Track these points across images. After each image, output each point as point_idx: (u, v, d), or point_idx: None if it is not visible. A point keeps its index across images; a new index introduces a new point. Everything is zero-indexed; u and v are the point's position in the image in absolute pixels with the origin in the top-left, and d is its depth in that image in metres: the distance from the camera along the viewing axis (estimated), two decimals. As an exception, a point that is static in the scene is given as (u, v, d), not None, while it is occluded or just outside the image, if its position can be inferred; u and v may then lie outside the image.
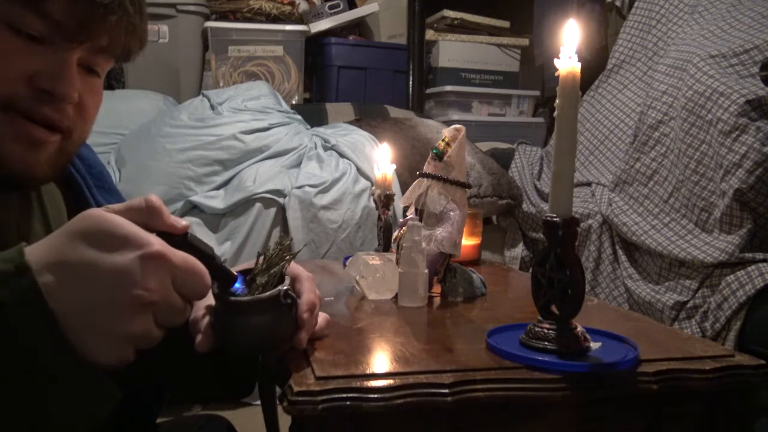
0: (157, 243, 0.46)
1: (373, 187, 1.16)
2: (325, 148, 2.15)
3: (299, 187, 1.95)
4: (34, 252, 0.44)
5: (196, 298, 0.50)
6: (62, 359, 0.43)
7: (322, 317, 0.68)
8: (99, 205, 0.67)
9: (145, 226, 0.48)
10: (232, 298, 0.59)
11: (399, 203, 1.08)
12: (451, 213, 0.91)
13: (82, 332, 0.44)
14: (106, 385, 0.47)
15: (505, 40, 3.10)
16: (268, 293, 0.59)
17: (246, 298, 0.59)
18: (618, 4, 2.82)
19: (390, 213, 1.15)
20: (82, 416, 0.46)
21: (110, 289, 0.44)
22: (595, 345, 0.66)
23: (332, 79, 2.82)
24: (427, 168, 0.92)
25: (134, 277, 0.44)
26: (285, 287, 0.60)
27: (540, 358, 0.62)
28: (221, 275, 0.57)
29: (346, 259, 1.07)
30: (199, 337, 0.60)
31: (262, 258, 0.62)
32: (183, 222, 0.52)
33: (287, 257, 0.63)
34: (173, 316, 0.48)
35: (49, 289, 0.43)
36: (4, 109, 0.55)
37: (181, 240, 0.52)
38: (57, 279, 0.43)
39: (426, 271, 0.87)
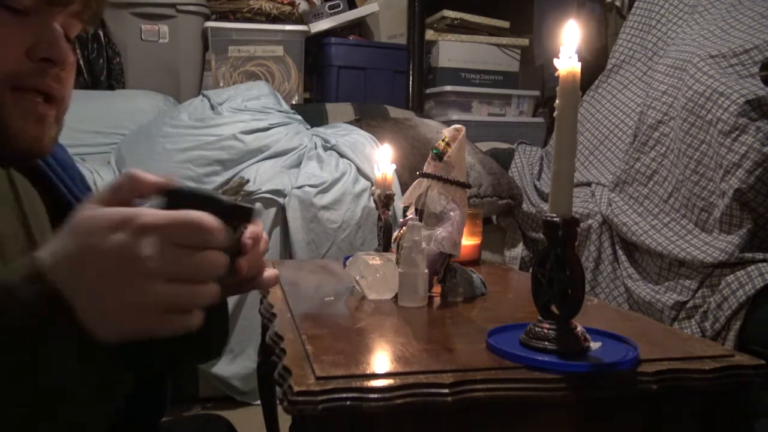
0: (140, 215, 0.46)
1: (373, 187, 1.16)
2: (325, 148, 2.15)
3: (299, 187, 1.95)
4: (43, 257, 0.46)
5: (206, 246, 0.48)
6: (71, 345, 0.46)
7: (272, 272, 0.68)
8: (74, 195, 0.72)
9: (135, 198, 0.52)
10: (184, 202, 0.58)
11: (399, 203, 1.08)
12: (451, 213, 0.91)
13: (102, 318, 0.46)
14: (123, 374, 0.49)
15: (505, 40, 3.10)
16: (216, 208, 0.57)
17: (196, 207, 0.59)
18: (618, 4, 2.82)
19: (390, 213, 1.15)
20: (99, 409, 0.48)
21: (113, 272, 0.46)
22: (595, 345, 0.66)
23: (332, 79, 2.82)
24: (427, 168, 0.92)
25: (129, 254, 0.46)
26: (256, 206, 0.62)
27: (540, 358, 0.62)
28: (232, 212, 0.55)
29: (346, 259, 1.07)
30: None
31: (220, 190, 0.64)
32: (168, 177, 0.53)
33: (242, 192, 0.66)
34: (200, 270, 0.48)
35: (63, 286, 0.45)
36: (13, 88, 0.57)
37: (177, 194, 0.52)
38: (67, 277, 0.45)
39: (426, 271, 0.87)
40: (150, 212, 0.47)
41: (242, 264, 0.61)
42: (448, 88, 2.95)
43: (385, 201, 1.13)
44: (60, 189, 0.72)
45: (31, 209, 0.67)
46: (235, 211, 0.55)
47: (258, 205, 0.60)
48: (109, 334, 0.46)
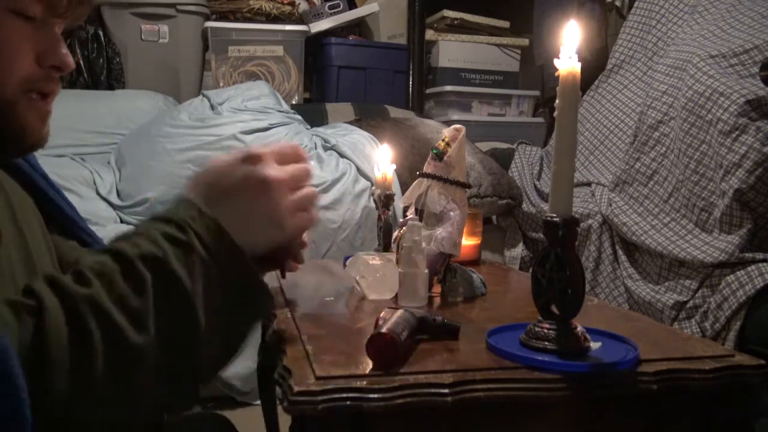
0: (250, 150, 0.62)
1: (373, 187, 1.16)
2: (325, 148, 2.15)
3: (299, 187, 1.95)
4: (197, 200, 0.59)
5: (299, 160, 0.65)
6: (241, 264, 0.58)
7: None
8: (54, 188, 0.78)
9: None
10: None
11: (399, 203, 1.08)
12: (451, 213, 0.91)
13: (249, 233, 0.60)
14: (265, 289, 0.62)
15: (505, 40, 3.10)
16: None
17: None
18: (618, 4, 2.82)
19: (390, 213, 1.15)
20: (251, 317, 0.62)
21: (247, 193, 0.60)
22: (595, 345, 0.66)
23: (332, 79, 2.82)
24: (427, 168, 0.92)
25: (256, 176, 0.61)
26: None
27: (540, 358, 0.62)
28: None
29: (346, 259, 1.07)
30: None
31: None
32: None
33: None
34: (303, 179, 0.64)
35: (219, 219, 0.58)
36: (25, 91, 0.61)
37: None
38: (219, 212, 0.59)
39: (426, 271, 0.87)
40: (256, 146, 0.63)
41: (302, 256, 0.81)
42: (448, 88, 2.95)
43: (385, 201, 1.13)
44: (41, 183, 0.77)
45: (18, 204, 0.69)
46: None
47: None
48: (255, 247, 0.60)
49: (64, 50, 0.64)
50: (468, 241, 1.21)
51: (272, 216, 0.61)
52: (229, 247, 0.57)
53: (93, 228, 0.92)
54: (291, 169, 0.63)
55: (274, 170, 0.62)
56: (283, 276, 0.89)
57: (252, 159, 0.61)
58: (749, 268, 1.59)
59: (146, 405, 0.52)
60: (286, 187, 0.62)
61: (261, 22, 2.73)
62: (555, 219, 0.63)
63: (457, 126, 0.93)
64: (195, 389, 0.58)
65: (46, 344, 0.46)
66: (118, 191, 2.03)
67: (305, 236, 0.83)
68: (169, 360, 0.52)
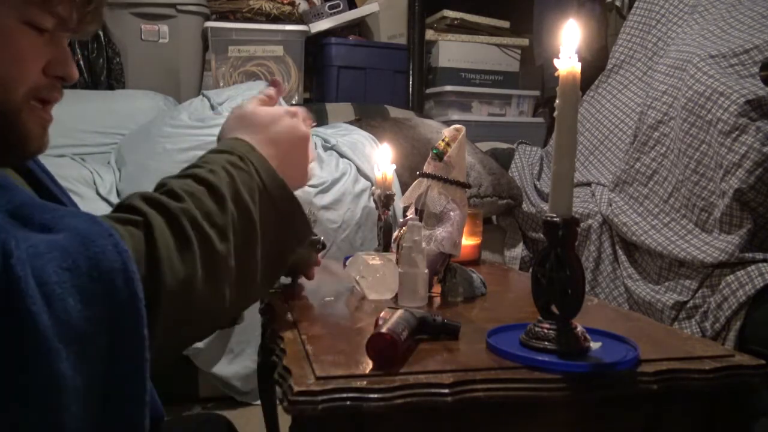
0: (291, 109, 0.77)
1: (373, 187, 1.16)
2: (325, 148, 2.14)
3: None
4: (249, 140, 0.72)
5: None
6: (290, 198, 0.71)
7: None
8: (59, 187, 0.80)
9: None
10: None
11: (399, 203, 1.08)
12: (451, 213, 0.91)
13: (287, 173, 0.71)
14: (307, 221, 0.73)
15: (505, 40, 3.10)
16: (313, 237, 0.88)
17: None
18: (618, 4, 2.82)
19: (390, 213, 1.15)
20: (296, 243, 0.72)
21: (290, 140, 0.74)
22: (595, 345, 0.66)
23: (332, 79, 2.82)
24: (427, 168, 0.92)
25: (297, 128, 0.75)
26: (322, 237, 0.94)
27: (540, 358, 0.62)
28: (315, 244, 0.97)
29: (346, 259, 1.07)
30: None
31: None
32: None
33: (318, 246, 0.96)
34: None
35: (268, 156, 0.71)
36: (29, 99, 0.64)
37: None
38: (269, 152, 0.71)
39: (426, 271, 0.87)
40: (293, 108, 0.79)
41: (313, 273, 0.97)
42: (448, 88, 2.95)
43: (385, 201, 1.14)
44: (46, 182, 0.78)
45: None
46: (317, 243, 0.95)
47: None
48: (292, 181, 0.72)
49: (72, 62, 0.66)
50: (468, 241, 1.21)
51: (303, 165, 0.75)
52: (277, 181, 0.68)
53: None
54: None
55: (306, 127, 0.76)
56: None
57: (294, 113, 0.76)
58: (749, 268, 1.59)
59: (224, 304, 0.62)
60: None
61: (261, 22, 2.72)
62: (555, 219, 0.63)
63: (457, 126, 0.93)
64: (250, 301, 0.70)
65: (157, 250, 0.55)
66: (118, 191, 2.03)
67: (319, 256, 0.98)
68: (240, 268, 0.63)
